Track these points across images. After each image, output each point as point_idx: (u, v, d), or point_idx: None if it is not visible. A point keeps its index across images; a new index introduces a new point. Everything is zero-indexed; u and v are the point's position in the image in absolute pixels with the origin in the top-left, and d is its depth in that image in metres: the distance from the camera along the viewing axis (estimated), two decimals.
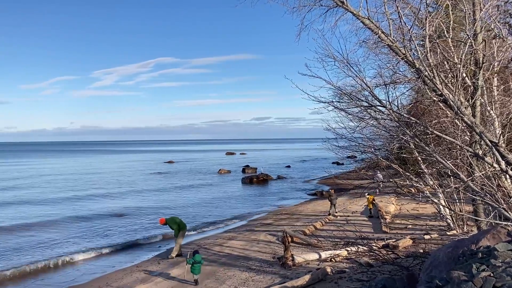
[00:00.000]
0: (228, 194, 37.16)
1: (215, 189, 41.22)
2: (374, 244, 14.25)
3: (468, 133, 9.73)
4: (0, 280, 15.18)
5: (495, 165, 7.89)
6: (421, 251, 13.47)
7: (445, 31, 8.51)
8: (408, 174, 11.08)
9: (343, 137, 11.29)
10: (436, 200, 14.15)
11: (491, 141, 7.83)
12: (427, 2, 8.73)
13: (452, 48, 8.58)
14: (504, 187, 8.65)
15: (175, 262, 16.01)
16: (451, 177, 10.48)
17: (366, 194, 24.01)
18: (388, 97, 8.85)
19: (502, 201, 7.90)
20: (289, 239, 14.93)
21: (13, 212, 28.60)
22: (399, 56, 8.42)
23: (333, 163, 65.78)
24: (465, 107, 8.11)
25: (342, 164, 57.92)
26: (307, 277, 11.45)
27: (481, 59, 8.77)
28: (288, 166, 69.63)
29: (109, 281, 14.56)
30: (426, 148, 8.75)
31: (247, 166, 63.48)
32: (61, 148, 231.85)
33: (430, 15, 8.40)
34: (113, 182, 48.40)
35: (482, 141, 8.26)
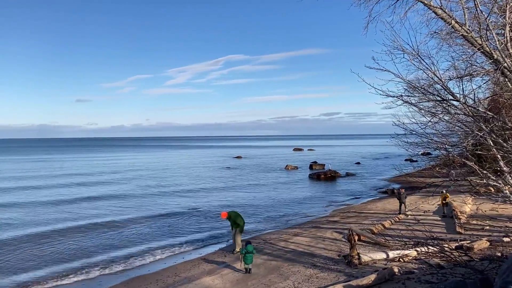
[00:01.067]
0: (295, 190, 37.09)
1: (281, 185, 41.30)
2: (446, 245, 13.53)
3: None
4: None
5: None
6: (499, 254, 12.59)
7: None
8: (486, 172, 10.37)
9: (413, 132, 10.79)
10: None
11: None
12: None
13: None
14: None
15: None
16: None
17: (443, 190, 22.40)
18: (463, 90, 8.35)
19: None
20: (356, 237, 14.60)
21: (99, 206, 30.58)
22: (475, 47, 7.90)
23: (406, 160, 63.30)
24: None
25: (416, 161, 55.59)
26: (372, 277, 11.14)
27: None
28: (358, 163, 68.07)
29: (177, 271, 15.12)
30: (504, 144, 8.15)
31: (315, 162, 62.90)
32: (138, 144, 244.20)
33: (511, 2, 7.78)
34: (184, 176, 50.13)
35: None
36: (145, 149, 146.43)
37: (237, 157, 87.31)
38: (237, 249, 16.67)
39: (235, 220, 16.60)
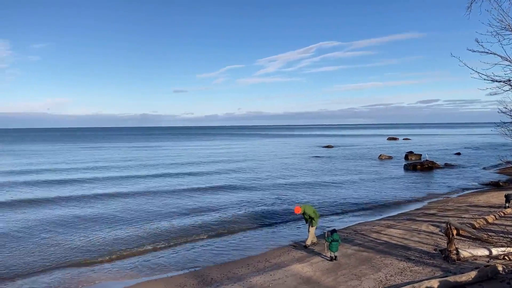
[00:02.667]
0: (388, 181, 35.85)
1: (374, 175, 40.13)
2: None
3: None
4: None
5: None
6: None
7: None
8: None
9: None
10: None
11: None
12: None
13: None
14: None
15: None
16: None
17: None
18: None
19: None
20: (454, 232, 13.82)
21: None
22: None
23: None
24: None
25: None
26: (473, 274, 10.49)
27: None
28: (458, 153, 63.76)
29: (268, 257, 15.50)
30: None
31: (411, 152, 60.05)
32: (230, 132, 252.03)
33: None
34: (273, 165, 50.81)
35: None
36: (237, 138, 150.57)
37: (328, 146, 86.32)
38: (307, 243, 16.40)
39: (310, 215, 16.12)
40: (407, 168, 45.06)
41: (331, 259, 14.41)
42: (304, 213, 16.14)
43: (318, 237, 17.98)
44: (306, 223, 16.62)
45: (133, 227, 20.36)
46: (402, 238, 16.81)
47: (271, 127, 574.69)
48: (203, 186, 33.26)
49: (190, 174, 41.24)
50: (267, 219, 21.94)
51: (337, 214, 23.44)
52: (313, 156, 62.15)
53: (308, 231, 16.48)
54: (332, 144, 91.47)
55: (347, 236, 17.75)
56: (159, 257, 16.01)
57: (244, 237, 18.76)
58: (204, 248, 17.14)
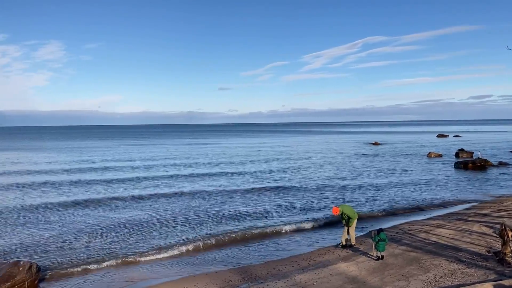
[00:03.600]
0: (438, 180, 34.67)
1: (423, 173, 38.92)
2: None
3: None
4: (209, 245, 17.60)
5: None
6: None
7: None
8: None
9: None
10: None
11: None
12: None
13: None
14: None
15: None
16: None
17: None
18: None
19: None
20: (510, 233, 13.19)
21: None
22: None
23: None
24: None
25: None
26: None
27: None
28: None
29: (312, 255, 15.43)
30: None
31: (462, 149, 57.73)
32: (274, 129, 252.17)
33: None
34: (318, 162, 50.38)
35: None
36: (281, 135, 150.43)
37: (374, 144, 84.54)
38: (353, 242, 16.07)
39: (348, 214, 15.67)
40: (457, 166, 43.37)
41: (378, 258, 14.17)
42: (342, 213, 15.76)
43: (364, 236, 17.74)
44: (344, 223, 16.18)
45: (180, 224, 20.82)
46: (452, 238, 16.25)
47: (315, 124, 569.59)
48: (248, 185, 33.48)
49: (234, 173, 41.58)
50: (310, 219, 21.79)
51: (383, 213, 22.94)
52: (359, 154, 61.09)
53: (348, 231, 16.14)
54: (379, 141, 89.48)
55: (394, 235, 17.36)
56: (205, 254, 16.32)
57: (288, 236, 18.76)
58: (248, 246, 17.28)
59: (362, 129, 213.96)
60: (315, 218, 21.61)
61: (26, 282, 12.65)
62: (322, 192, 29.02)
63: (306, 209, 23.64)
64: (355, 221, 15.97)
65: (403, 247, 15.46)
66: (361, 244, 16.31)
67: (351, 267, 13.58)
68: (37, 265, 13.33)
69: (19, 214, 22.74)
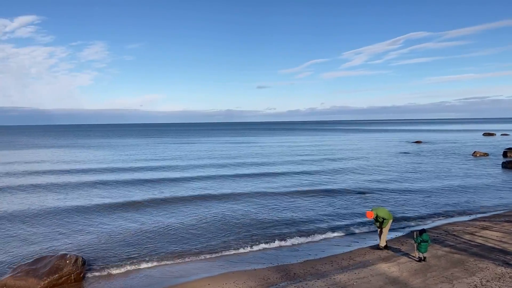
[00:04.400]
0: (483, 180, 33.36)
1: (467, 173, 37.56)
2: None
3: None
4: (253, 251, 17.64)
5: None
6: None
7: None
8: None
9: None
10: None
11: None
12: None
13: None
14: None
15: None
16: None
17: None
18: None
19: None
20: None
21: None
22: None
23: None
24: None
25: None
26: None
27: None
28: None
29: (352, 255, 15.22)
30: None
31: (510, 149, 55.35)
32: (313, 127, 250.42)
33: None
34: (357, 160, 49.61)
35: None
36: (320, 133, 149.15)
37: (416, 142, 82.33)
38: (382, 244, 15.70)
39: (383, 217, 15.25)
40: (505, 166, 41.56)
41: (420, 260, 13.83)
42: (377, 216, 15.37)
43: (405, 236, 17.36)
44: (377, 226, 15.78)
45: (218, 225, 21.05)
46: (500, 241, 15.61)
47: (355, 122, 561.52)
48: (286, 185, 33.46)
49: (272, 174, 41.63)
50: (350, 219, 21.52)
51: (425, 213, 22.31)
52: (400, 153, 59.67)
53: (381, 232, 15.77)
54: (421, 140, 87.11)
55: (437, 236, 16.87)
56: (243, 252, 16.41)
57: (327, 236, 18.53)
58: (287, 245, 17.24)
59: (403, 127, 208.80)
60: (354, 217, 21.32)
61: (72, 275, 13.15)
62: (361, 192, 28.56)
63: (344, 209, 23.34)
64: (390, 222, 15.60)
65: (447, 249, 15.01)
66: (402, 245, 15.96)
67: (392, 268, 13.31)
68: (82, 258, 13.84)
69: (66, 211, 23.66)
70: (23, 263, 14.03)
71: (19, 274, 12.93)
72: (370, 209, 15.85)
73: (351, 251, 15.84)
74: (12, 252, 16.24)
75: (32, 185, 32.51)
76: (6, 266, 14.67)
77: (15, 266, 13.95)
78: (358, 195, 27.13)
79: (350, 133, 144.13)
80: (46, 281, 12.55)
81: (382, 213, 15.30)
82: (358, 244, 16.91)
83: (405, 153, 58.95)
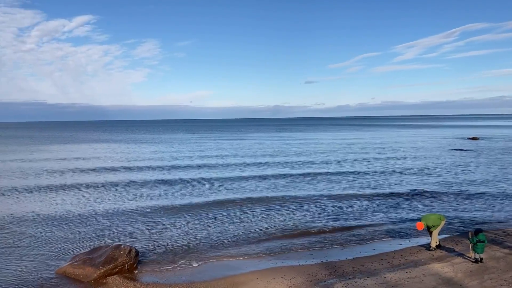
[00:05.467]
0: None
1: None
2: None
3: None
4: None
5: None
6: None
7: None
8: None
9: None
10: None
11: None
12: None
13: None
14: None
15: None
16: None
17: None
18: None
19: None
20: None
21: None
22: None
23: None
24: None
25: None
26: None
27: None
28: None
29: (404, 254, 14.82)
30: None
31: None
32: (362, 123, 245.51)
33: None
34: (409, 157, 48.12)
35: None
36: (370, 129, 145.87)
37: (472, 138, 78.65)
38: (433, 245, 15.12)
39: (434, 224, 14.77)
40: None
41: (476, 261, 13.24)
42: (428, 228, 15.02)
43: (459, 236, 16.71)
44: (428, 229, 15.25)
45: (267, 220, 21.12)
46: None
47: (407, 117, 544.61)
48: (337, 187, 33.06)
49: (322, 173, 41.28)
50: (400, 218, 20.95)
51: (482, 213, 21.29)
52: (454, 149, 57.31)
53: (431, 233, 15.25)
54: (477, 136, 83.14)
55: (495, 237, 16.09)
56: (292, 248, 16.37)
57: (377, 234, 18.12)
58: (336, 242, 17.03)
59: (458, 123, 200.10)
60: (404, 216, 20.75)
61: (126, 265, 13.64)
62: (413, 190, 27.70)
63: (395, 208, 22.74)
64: (442, 223, 15.06)
65: (506, 250, 14.28)
66: (457, 245, 15.35)
67: (445, 268, 12.84)
68: (135, 250, 14.32)
69: (120, 204, 24.57)
70: (81, 252, 14.72)
71: (77, 263, 13.59)
72: (420, 220, 15.29)
73: (402, 250, 15.42)
74: (71, 241, 17.07)
75: (88, 179, 34.01)
76: (65, 254, 15.44)
77: (73, 255, 14.67)
78: (410, 193, 26.30)
79: (402, 129, 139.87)
80: (102, 270, 13.11)
81: (431, 221, 14.86)
82: (410, 243, 16.43)
83: (460, 150, 56.54)
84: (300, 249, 16.06)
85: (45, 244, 16.65)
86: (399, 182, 30.28)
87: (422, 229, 14.87)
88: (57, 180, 32.71)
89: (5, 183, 31.12)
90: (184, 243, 16.72)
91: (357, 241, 16.86)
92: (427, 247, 15.33)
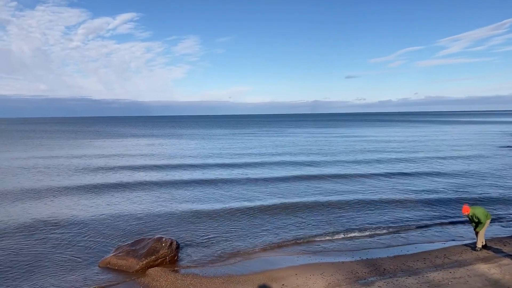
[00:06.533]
0: None
1: None
2: None
3: None
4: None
5: None
6: None
7: None
8: None
9: None
10: None
11: None
12: None
13: None
14: None
15: None
16: None
17: None
18: None
19: None
20: None
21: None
22: None
23: None
24: None
25: None
26: None
27: None
28: None
29: (447, 253, 14.41)
30: None
31: None
32: (406, 118, 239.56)
33: None
34: (453, 155, 46.55)
35: None
36: (413, 125, 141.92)
37: None
38: (479, 246, 14.50)
39: (480, 219, 14.19)
40: None
41: None
42: (472, 216, 14.38)
43: (509, 237, 16.02)
44: (473, 225, 14.76)
45: (315, 213, 21.04)
46: None
47: (452, 113, 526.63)
48: (379, 187, 32.50)
49: (363, 175, 40.67)
50: (443, 216, 20.32)
51: None
52: (504, 146, 54.89)
53: (477, 233, 14.68)
54: None
55: None
56: (332, 244, 16.23)
57: (419, 232, 17.63)
58: (377, 239, 16.73)
59: (508, 119, 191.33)
60: (448, 214, 20.11)
61: (167, 257, 13.96)
62: (454, 187, 26.80)
63: (438, 204, 22.07)
64: (488, 222, 14.46)
65: None
66: (504, 246, 14.74)
67: (492, 270, 12.36)
68: (176, 242, 14.62)
69: (162, 195, 25.13)
70: (124, 244, 15.18)
71: (120, 254, 14.03)
72: (469, 205, 14.82)
73: (445, 249, 14.96)
74: (114, 233, 17.63)
75: (129, 174, 34.99)
76: (109, 245, 15.97)
77: (117, 246, 15.15)
78: (454, 190, 25.45)
79: (448, 125, 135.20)
80: (144, 262, 13.47)
81: (479, 213, 14.29)
82: (454, 242, 15.91)
83: (508, 147, 54.12)
84: (340, 245, 15.88)
85: (88, 237, 17.25)
86: (444, 182, 29.34)
87: (466, 213, 14.41)
88: (100, 175, 33.85)
89: (50, 179, 32.49)
90: (222, 238, 16.90)
91: (399, 239, 16.50)
92: (473, 247, 14.81)
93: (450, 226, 18.13)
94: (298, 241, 16.47)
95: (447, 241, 16.08)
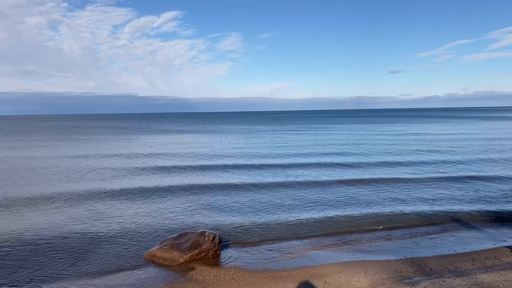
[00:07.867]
0: None
1: None
2: None
3: None
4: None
5: None
6: None
7: None
8: None
9: None
10: None
11: None
12: None
13: None
14: None
15: None
16: None
17: None
18: None
19: None
20: None
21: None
22: None
23: None
24: None
25: None
26: None
27: None
28: None
29: (498, 254, 13.83)
30: None
31: None
32: (454, 114, 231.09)
33: None
34: (501, 151, 44.46)
35: None
36: (462, 121, 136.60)
37: None
38: None
39: None
40: None
41: None
42: None
43: None
44: None
45: (359, 208, 20.76)
46: None
47: (504, 108, 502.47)
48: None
49: (410, 179, 39.68)
50: (494, 212, 19.46)
51: None
52: None
53: None
54: None
55: None
56: (376, 242, 15.93)
57: (468, 231, 16.99)
58: (422, 238, 16.26)
59: None
60: (501, 211, 19.23)
61: (210, 251, 14.17)
62: (504, 184, 25.58)
63: (488, 202, 21.16)
64: None
65: None
66: None
67: None
68: (219, 236, 14.80)
69: (205, 190, 25.51)
70: (168, 237, 15.52)
71: (165, 247, 14.37)
72: None
73: (496, 250, 14.34)
74: (158, 226, 18.06)
75: (172, 169, 35.71)
76: (154, 239, 16.39)
77: (162, 239, 15.53)
78: (501, 190, 24.31)
79: (499, 121, 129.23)
80: (188, 255, 13.74)
81: None
82: (506, 243, 15.22)
83: None
84: (385, 243, 15.55)
85: (132, 231, 17.72)
86: (488, 178, 28.11)
87: None
88: (143, 170, 34.75)
89: (94, 174, 33.70)
90: (265, 234, 16.96)
91: (445, 238, 15.97)
92: None
93: (500, 226, 17.35)
94: (339, 238, 16.29)
95: (497, 241, 15.41)
